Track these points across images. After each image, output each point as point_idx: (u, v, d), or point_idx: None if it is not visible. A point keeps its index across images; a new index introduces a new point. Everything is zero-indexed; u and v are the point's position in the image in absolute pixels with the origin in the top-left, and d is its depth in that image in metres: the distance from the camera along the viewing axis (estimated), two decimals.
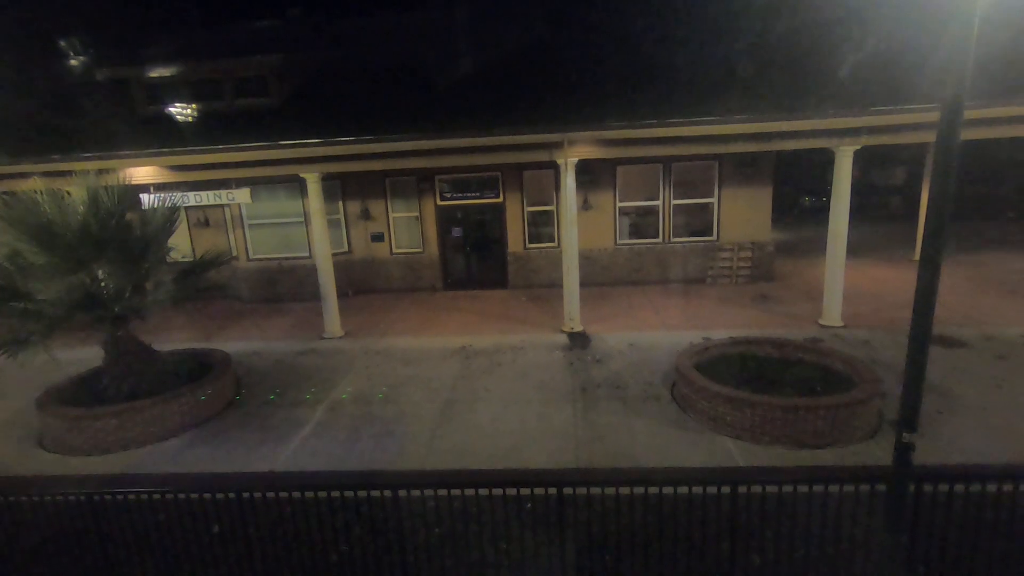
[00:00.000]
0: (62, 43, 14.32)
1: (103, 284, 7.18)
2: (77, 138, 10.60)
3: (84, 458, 6.53)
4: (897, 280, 12.41)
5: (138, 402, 6.84)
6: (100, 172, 7.56)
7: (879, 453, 5.65)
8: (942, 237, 3.05)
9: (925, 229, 3.09)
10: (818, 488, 3.60)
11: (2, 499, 4.21)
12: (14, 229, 6.55)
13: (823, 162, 21.15)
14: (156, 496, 4.08)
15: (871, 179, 26.33)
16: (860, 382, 6.31)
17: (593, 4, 14.42)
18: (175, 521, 4.13)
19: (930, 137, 8.84)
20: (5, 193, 6.87)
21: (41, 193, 6.90)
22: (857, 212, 10.78)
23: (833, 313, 9.56)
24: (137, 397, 6.98)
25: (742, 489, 3.68)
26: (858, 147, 9.01)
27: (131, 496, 4.08)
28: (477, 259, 13.72)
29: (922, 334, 3.21)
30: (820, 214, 16.62)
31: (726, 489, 3.69)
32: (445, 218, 13.45)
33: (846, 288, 9.66)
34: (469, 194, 13.22)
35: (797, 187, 27.51)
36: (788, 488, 3.62)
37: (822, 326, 9.54)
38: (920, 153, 16.02)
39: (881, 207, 24.99)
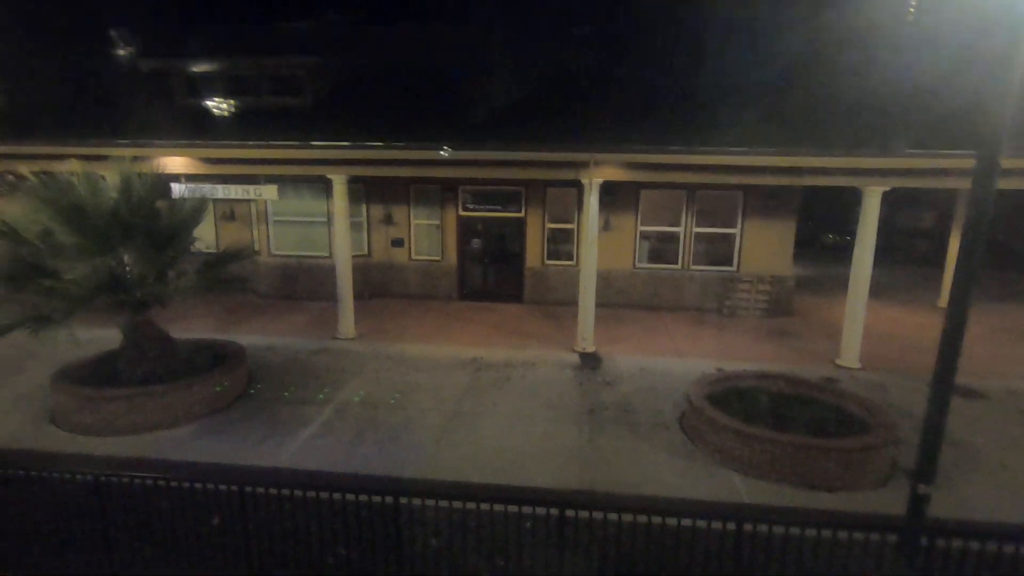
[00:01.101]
0: (107, 33, 14.77)
1: (128, 269, 7.33)
2: (116, 125, 10.89)
3: (93, 438, 6.61)
4: (919, 325, 12.17)
5: (150, 387, 6.92)
6: (135, 159, 7.75)
7: (890, 502, 5.50)
8: (971, 285, 3.00)
9: (955, 276, 3.04)
10: (826, 533, 3.52)
11: (12, 472, 4.27)
12: (48, 208, 6.72)
13: (850, 200, 20.92)
14: (161, 483, 4.11)
15: (899, 220, 25.95)
16: (875, 427, 6.17)
17: (628, 26, 14.55)
18: (177, 509, 4.15)
19: (963, 184, 8.72)
20: (43, 173, 7.06)
21: (77, 175, 7.10)
22: (882, 253, 10.62)
23: (851, 354, 9.40)
24: (150, 382, 7.07)
25: (747, 527, 3.60)
26: (887, 188, 8.91)
27: (136, 480, 4.12)
28: (495, 272, 13.75)
29: (945, 383, 3.14)
30: (844, 252, 16.42)
31: (731, 525, 3.62)
32: (466, 229, 13.52)
33: (866, 329, 9.48)
34: (491, 207, 13.29)
35: (821, 223, 27.20)
36: (796, 530, 3.53)
37: (839, 366, 9.37)
38: (950, 197, 15.78)
39: (907, 249, 24.57)
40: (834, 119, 9.77)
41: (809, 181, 9.29)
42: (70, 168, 7.17)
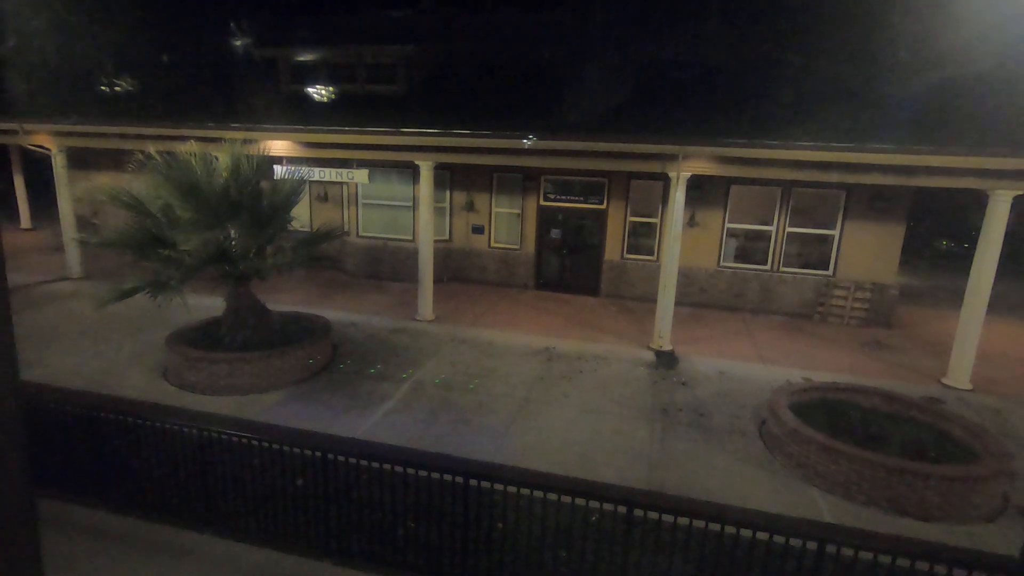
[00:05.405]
0: (227, 24, 15.94)
1: (233, 243, 7.96)
2: (230, 109, 11.78)
3: (198, 396, 7.28)
4: None
5: (248, 354, 7.51)
6: (244, 142, 8.35)
7: (996, 540, 5.00)
8: None
9: None
10: (922, 565, 3.25)
11: (131, 420, 4.79)
12: (170, 185, 7.43)
13: (971, 203, 18.89)
14: (254, 442, 4.46)
15: None
16: (984, 455, 5.60)
17: (721, 16, 13.83)
18: (267, 467, 4.50)
19: None
20: (167, 153, 7.78)
21: (194, 156, 7.77)
22: (1007, 265, 9.48)
23: (961, 373, 8.54)
24: (248, 349, 7.66)
25: (830, 548, 3.40)
26: (1020, 193, 7.97)
27: (234, 438, 4.50)
28: (572, 263, 13.66)
29: None
30: (961, 261, 14.77)
31: (812, 544, 3.42)
32: (546, 218, 13.51)
33: (981, 348, 8.57)
34: (573, 197, 13.18)
35: (935, 227, 24.75)
36: (885, 558, 3.29)
37: (945, 386, 8.56)
38: None
39: None
40: (958, 111, 8.84)
41: (922, 182, 8.48)
42: (189, 149, 7.85)
